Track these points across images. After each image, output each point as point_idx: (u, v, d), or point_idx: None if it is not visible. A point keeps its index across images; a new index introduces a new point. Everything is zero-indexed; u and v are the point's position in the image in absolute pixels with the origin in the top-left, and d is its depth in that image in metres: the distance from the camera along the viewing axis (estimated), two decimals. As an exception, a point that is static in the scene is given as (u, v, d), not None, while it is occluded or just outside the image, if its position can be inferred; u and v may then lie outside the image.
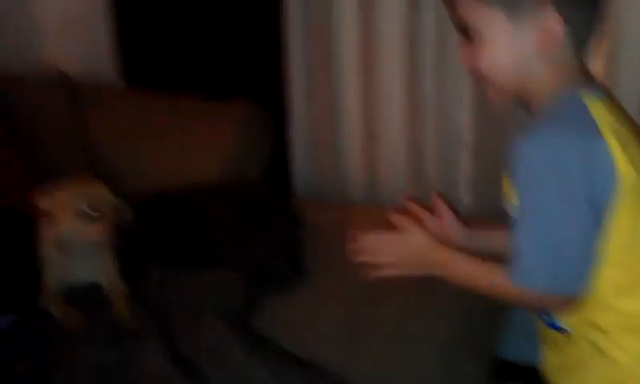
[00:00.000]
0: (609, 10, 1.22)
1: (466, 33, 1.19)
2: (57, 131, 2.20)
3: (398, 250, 1.25)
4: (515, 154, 1.12)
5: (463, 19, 1.18)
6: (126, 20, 2.40)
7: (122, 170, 2.14)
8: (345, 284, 1.62)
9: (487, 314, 1.74)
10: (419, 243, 1.24)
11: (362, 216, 2.00)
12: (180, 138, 2.20)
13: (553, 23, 1.14)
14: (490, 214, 1.80)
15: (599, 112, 1.13)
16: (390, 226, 1.25)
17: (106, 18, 2.41)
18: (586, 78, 1.20)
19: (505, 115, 1.98)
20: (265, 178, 2.22)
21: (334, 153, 2.29)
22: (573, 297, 1.15)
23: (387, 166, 2.23)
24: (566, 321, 1.22)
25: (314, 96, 2.26)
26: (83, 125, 2.26)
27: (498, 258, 1.18)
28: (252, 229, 1.81)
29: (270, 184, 2.17)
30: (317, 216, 2.00)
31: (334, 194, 2.29)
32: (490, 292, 1.22)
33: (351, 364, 1.46)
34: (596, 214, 1.12)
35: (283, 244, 1.79)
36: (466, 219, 1.37)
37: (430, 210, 1.36)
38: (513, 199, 1.17)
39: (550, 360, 1.29)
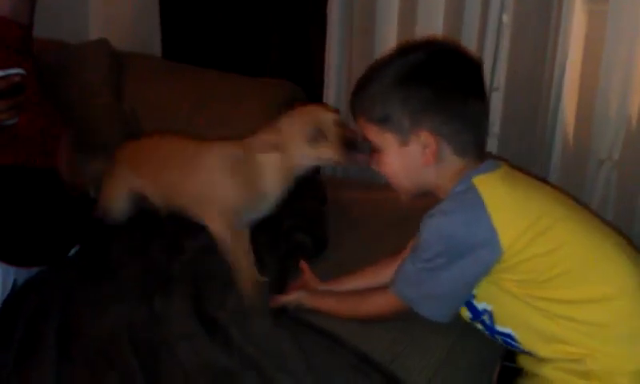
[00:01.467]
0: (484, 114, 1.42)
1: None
2: (97, 98, 2.26)
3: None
4: (422, 226, 1.35)
5: (365, 136, 1.42)
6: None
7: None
8: (364, 258, 1.65)
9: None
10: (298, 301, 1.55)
11: (383, 195, 2.02)
12: (215, 112, 2.25)
13: (429, 141, 1.35)
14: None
15: (489, 188, 1.32)
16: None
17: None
18: (479, 159, 1.39)
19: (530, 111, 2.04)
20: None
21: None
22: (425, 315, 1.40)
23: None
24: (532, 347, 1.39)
25: (351, 78, 2.29)
26: (123, 93, 2.32)
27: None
28: (280, 204, 1.85)
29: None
30: (340, 193, 2.06)
31: (360, 175, 2.32)
32: (360, 309, 1.50)
33: (367, 337, 1.48)
34: (482, 274, 1.34)
35: (308, 219, 1.83)
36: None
37: None
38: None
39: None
